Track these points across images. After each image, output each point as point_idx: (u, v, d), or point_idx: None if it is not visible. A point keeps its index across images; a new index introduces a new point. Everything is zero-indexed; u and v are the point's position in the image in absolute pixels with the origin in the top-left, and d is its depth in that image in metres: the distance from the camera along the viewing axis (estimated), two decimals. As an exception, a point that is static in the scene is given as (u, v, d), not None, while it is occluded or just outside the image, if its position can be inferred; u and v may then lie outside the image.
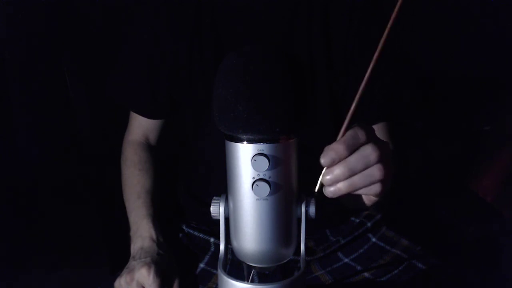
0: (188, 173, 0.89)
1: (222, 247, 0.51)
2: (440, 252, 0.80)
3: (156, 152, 0.89)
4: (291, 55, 0.44)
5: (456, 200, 1.21)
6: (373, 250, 0.81)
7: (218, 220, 0.49)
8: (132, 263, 0.71)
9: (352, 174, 0.47)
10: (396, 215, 0.88)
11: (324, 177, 0.47)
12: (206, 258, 0.80)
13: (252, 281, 0.49)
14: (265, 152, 0.43)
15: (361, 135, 0.46)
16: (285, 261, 0.49)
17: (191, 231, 0.84)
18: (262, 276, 0.51)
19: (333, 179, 0.46)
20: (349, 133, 0.46)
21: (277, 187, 0.44)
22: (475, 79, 1.28)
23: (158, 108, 0.84)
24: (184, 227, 0.85)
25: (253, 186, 0.43)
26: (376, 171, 0.47)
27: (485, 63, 1.29)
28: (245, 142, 0.43)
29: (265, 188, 0.43)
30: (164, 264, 0.71)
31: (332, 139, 0.47)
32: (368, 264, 0.78)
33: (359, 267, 0.78)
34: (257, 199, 0.44)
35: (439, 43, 1.27)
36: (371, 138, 0.48)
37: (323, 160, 0.46)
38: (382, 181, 0.48)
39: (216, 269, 0.73)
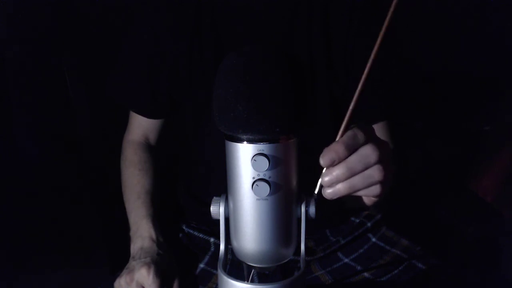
0: (188, 173, 0.89)
1: (222, 247, 0.51)
2: (440, 252, 0.80)
3: (156, 152, 0.89)
4: (291, 55, 0.44)
5: (456, 200, 1.21)
6: (373, 250, 0.81)
7: (218, 220, 0.49)
8: (132, 263, 0.71)
9: (351, 174, 0.46)
10: (396, 215, 0.88)
11: (323, 178, 0.46)
12: (206, 258, 0.80)
13: (252, 281, 0.49)
14: (265, 152, 0.43)
15: (361, 135, 0.46)
16: (285, 261, 0.49)
17: (191, 231, 0.84)
18: (262, 276, 0.51)
19: (332, 180, 0.46)
20: (348, 133, 0.46)
21: (277, 187, 0.44)
22: (475, 79, 1.28)
23: (158, 108, 0.84)
24: (184, 227, 0.85)
25: (253, 186, 0.43)
26: (376, 172, 0.47)
27: (485, 63, 1.28)
28: (245, 142, 0.43)
29: (265, 188, 0.43)
30: (164, 264, 0.71)
31: (332, 139, 0.47)
32: (368, 264, 0.78)
33: (359, 267, 0.78)
34: (257, 199, 0.44)
35: (439, 43, 1.27)
36: (371, 138, 0.47)
37: (322, 161, 0.45)
38: (381, 182, 0.48)
39: (216, 269, 0.73)
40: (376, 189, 0.48)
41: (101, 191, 0.99)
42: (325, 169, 0.47)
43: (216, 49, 0.77)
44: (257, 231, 0.46)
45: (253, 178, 0.44)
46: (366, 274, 0.77)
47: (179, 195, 0.89)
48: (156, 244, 0.74)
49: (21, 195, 0.96)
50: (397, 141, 0.82)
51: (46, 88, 0.98)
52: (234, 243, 0.48)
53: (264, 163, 0.43)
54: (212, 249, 0.81)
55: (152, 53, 0.80)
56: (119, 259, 0.77)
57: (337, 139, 0.46)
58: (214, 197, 0.49)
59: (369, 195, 0.50)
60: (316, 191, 0.48)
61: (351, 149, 0.46)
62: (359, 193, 0.49)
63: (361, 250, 0.81)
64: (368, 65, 0.44)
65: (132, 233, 0.78)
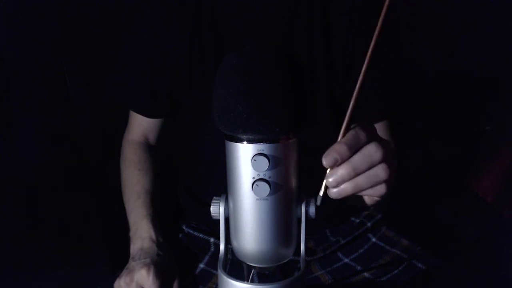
0: (188, 173, 0.89)
1: (222, 247, 0.51)
2: (440, 252, 0.80)
3: (155, 152, 0.89)
4: (291, 55, 0.44)
5: (456, 200, 1.21)
6: (373, 250, 0.81)
7: (218, 220, 0.49)
8: (131, 264, 0.71)
9: (356, 174, 0.46)
10: (396, 215, 0.88)
11: (328, 178, 0.46)
12: (206, 258, 0.80)
13: (252, 281, 0.49)
14: (265, 152, 0.43)
15: (363, 134, 0.46)
16: (285, 261, 0.49)
17: (191, 231, 0.84)
18: (262, 276, 0.51)
19: (337, 180, 0.46)
20: (350, 133, 0.46)
21: (277, 187, 0.44)
22: (475, 79, 1.28)
23: (158, 108, 0.84)
24: (184, 227, 0.85)
25: (253, 186, 0.43)
26: (380, 171, 0.47)
27: (485, 63, 1.28)
28: (245, 142, 0.43)
29: (265, 188, 0.43)
30: (163, 265, 0.71)
31: (332, 139, 0.47)
32: (368, 264, 0.78)
33: (359, 267, 0.78)
34: (257, 199, 0.44)
35: (439, 43, 1.27)
36: (374, 137, 0.47)
37: (325, 161, 0.45)
38: (386, 181, 0.48)
39: (216, 269, 0.73)
40: (381, 189, 0.48)
41: (101, 191, 0.99)
42: (329, 169, 0.46)
43: (216, 49, 0.77)
44: (257, 231, 0.46)
45: (253, 178, 0.44)
46: (366, 274, 0.77)
47: (179, 195, 0.89)
48: (156, 244, 0.74)
49: (21, 195, 0.95)
50: (397, 140, 0.82)
51: (46, 88, 0.98)
52: (234, 243, 0.48)
53: (264, 163, 0.43)
54: (212, 249, 0.81)
55: (152, 53, 0.80)
56: (119, 259, 0.77)
57: (338, 139, 0.46)
58: (214, 197, 0.49)
59: (374, 195, 0.50)
60: (321, 193, 0.47)
61: (354, 149, 0.46)
62: (364, 193, 0.48)
63: (361, 250, 0.81)
64: (366, 62, 0.44)
65: (131, 233, 0.77)
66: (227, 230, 0.50)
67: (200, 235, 0.83)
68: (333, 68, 0.76)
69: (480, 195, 1.26)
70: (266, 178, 0.43)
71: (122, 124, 0.90)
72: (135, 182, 0.83)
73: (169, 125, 0.89)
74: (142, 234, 0.75)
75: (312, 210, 0.47)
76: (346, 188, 0.46)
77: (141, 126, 0.88)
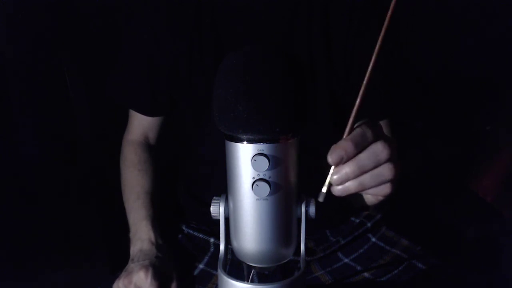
0: (188, 173, 0.89)
1: (222, 247, 0.51)
2: (440, 252, 0.80)
3: (156, 152, 0.89)
4: (291, 55, 0.44)
5: (456, 200, 1.21)
6: (373, 250, 0.81)
7: (218, 220, 0.49)
8: (130, 265, 0.71)
9: (362, 172, 0.46)
10: (396, 215, 0.88)
11: (333, 176, 0.46)
12: (206, 258, 0.80)
13: (252, 281, 0.49)
14: (265, 152, 0.43)
15: (369, 132, 0.46)
16: (285, 261, 0.49)
17: (191, 232, 0.84)
18: (262, 276, 0.51)
19: (342, 178, 0.46)
20: (357, 130, 0.45)
21: (277, 187, 0.44)
22: (475, 79, 1.28)
23: (158, 106, 0.84)
24: (184, 228, 0.85)
25: (253, 186, 0.43)
26: (386, 171, 0.46)
27: (485, 63, 1.28)
28: (245, 142, 0.43)
29: (265, 188, 0.43)
30: (162, 267, 0.71)
31: (332, 138, 0.47)
32: (368, 264, 0.78)
33: (359, 267, 0.78)
34: (257, 199, 0.44)
35: (439, 43, 1.27)
36: (380, 135, 0.47)
37: (330, 158, 0.45)
38: (391, 181, 0.47)
39: (216, 269, 0.73)
40: (385, 188, 0.48)
41: (101, 191, 0.99)
42: (333, 166, 0.46)
43: (216, 49, 0.77)
44: (257, 231, 0.46)
45: (253, 178, 0.44)
46: (366, 274, 0.77)
47: (179, 195, 0.89)
48: (155, 246, 0.74)
49: (21, 195, 0.95)
50: (397, 140, 0.81)
51: (46, 88, 0.98)
52: (234, 243, 0.48)
53: (264, 163, 0.43)
54: (212, 249, 0.81)
55: (152, 53, 0.80)
56: (119, 259, 0.77)
57: (344, 136, 0.46)
58: (214, 197, 0.49)
59: (378, 194, 0.49)
60: (324, 189, 0.47)
61: (360, 147, 0.45)
62: (368, 192, 0.48)
63: (361, 250, 0.81)
64: (373, 60, 0.44)
65: (131, 235, 0.78)
66: (227, 230, 0.50)
67: (200, 235, 0.83)
68: (333, 68, 0.76)
69: (480, 195, 1.26)
70: (266, 178, 0.43)
71: (122, 124, 0.90)
72: (135, 183, 0.83)
73: (169, 125, 0.89)
74: (141, 236, 0.76)
75: (312, 210, 0.47)
76: (350, 186, 0.46)
77: (141, 126, 0.88)
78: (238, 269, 0.53)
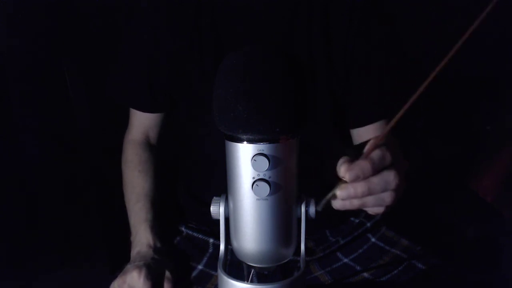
0: (188, 173, 0.89)
1: (222, 247, 0.51)
2: (440, 252, 0.80)
3: (156, 151, 0.89)
4: (291, 55, 0.44)
5: (456, 200, 1.21)
6: (373, 250, 0.81)
7: (218, 220, 0.49)
8: (127, 266, 0.71)
9: (369, 195, 0.47)
10: (396, 215, 0.88)
11: (342, 191, 0.47)
12: (205, 259, 0.80)
13: (252, 281, 0.49)
14: (265, 152, 0.43)
15: (388, 158, 0.47)
16: (285, 261, 0.49)
17: (190, 232, 0.84)
18: (261, 276, 0.51)
19: (350, 195, 0.47)
20: (378, 152, 0.46)
21: (277, 187, 0.44)
22: (475, 79, 1.28)
23: (158, 103, 0.84)
24: (183, 228, 0.85)
25: (253, 186, 0.43)
26: (388, 198, 0.49)
27: (485, 63, 1.28)
28: (245, 142, 0.43)
29: (265, 188, 0.43)
30: (158, 268, 0.71)
31: (332, 139, 0.47)
32: (367, 264, 0.78)
33: (358, 267, 0.78)
34: (257, 199, 0.44)
35: (439, 43, 1.26)
36: (396, 162, 0.48)
37: (347, 175, 0.46)
38: (388, 206, 0.50)
39: (215, 270, 0.73)
40: (380, 210, 0.50)
41: (101, 191, 0.99)
42: (342, 181, 0.47)
43: (216, 49, 0.77)
44: (257, 231, 0.46)
45: (253, 178, 0.44)
46: (365, 274, 0.77)
47: (179, 195, 0.89)
48: (153, 249, 0.74)
49: (21, 195, 0.96)
50: (398, 140, 0.81)
51: (46, 88, 0.98)
52: (234, 243, 0.48)
53: (264, 163, 0.42)
54: (211, 250, 0.81)
55: (152, 53, 0.80)
56: (119, 259, 0.77)
57: (364, 151, 0.46)
58: (214, 197, 0.49)
59: (371, 212, 0.52)
60: (326, 199, 0.48)
61: (377, 170, 0.47)
62: (364, 208, 0.50)
63: (361, 250, 0.81)
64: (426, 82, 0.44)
65: (132, 237, 0.78)
66: (227, 230, 0.50)
67: (199, 236, 0.83)
68: (333, 68, 0.76)
69: (480, 195, 1.26)
70: (266, 178, 0.43)
71: (122, 124, 0.90)
72: (135, 184, 0.83)
73: (169, 124, 0.89)
74: (140, 239, 0.76)
75: (312, 210, 0.47)
76: (353, 203, 0.48)
77: (142, 125, 0.87)
78: (238, 269, 0.53)
